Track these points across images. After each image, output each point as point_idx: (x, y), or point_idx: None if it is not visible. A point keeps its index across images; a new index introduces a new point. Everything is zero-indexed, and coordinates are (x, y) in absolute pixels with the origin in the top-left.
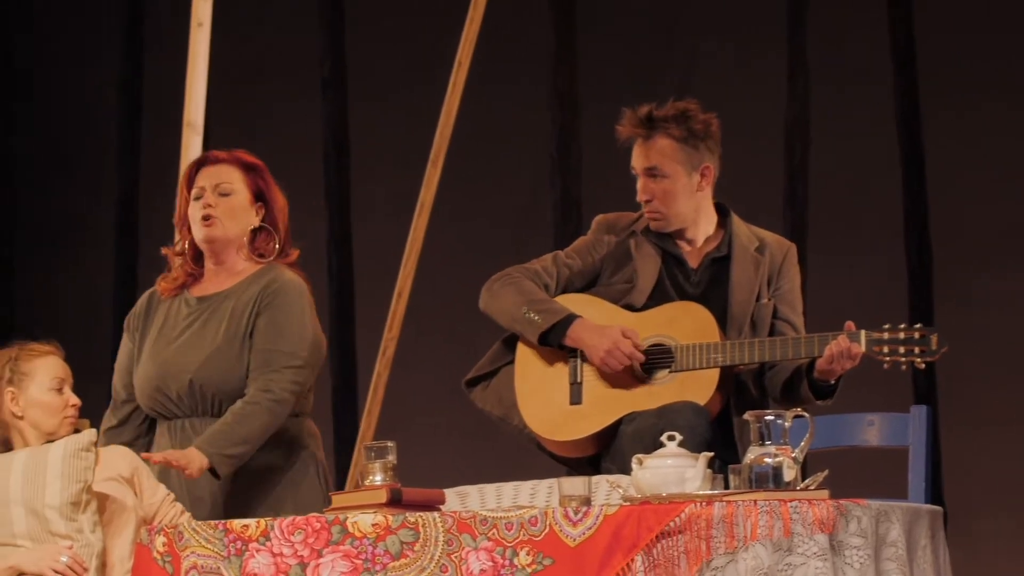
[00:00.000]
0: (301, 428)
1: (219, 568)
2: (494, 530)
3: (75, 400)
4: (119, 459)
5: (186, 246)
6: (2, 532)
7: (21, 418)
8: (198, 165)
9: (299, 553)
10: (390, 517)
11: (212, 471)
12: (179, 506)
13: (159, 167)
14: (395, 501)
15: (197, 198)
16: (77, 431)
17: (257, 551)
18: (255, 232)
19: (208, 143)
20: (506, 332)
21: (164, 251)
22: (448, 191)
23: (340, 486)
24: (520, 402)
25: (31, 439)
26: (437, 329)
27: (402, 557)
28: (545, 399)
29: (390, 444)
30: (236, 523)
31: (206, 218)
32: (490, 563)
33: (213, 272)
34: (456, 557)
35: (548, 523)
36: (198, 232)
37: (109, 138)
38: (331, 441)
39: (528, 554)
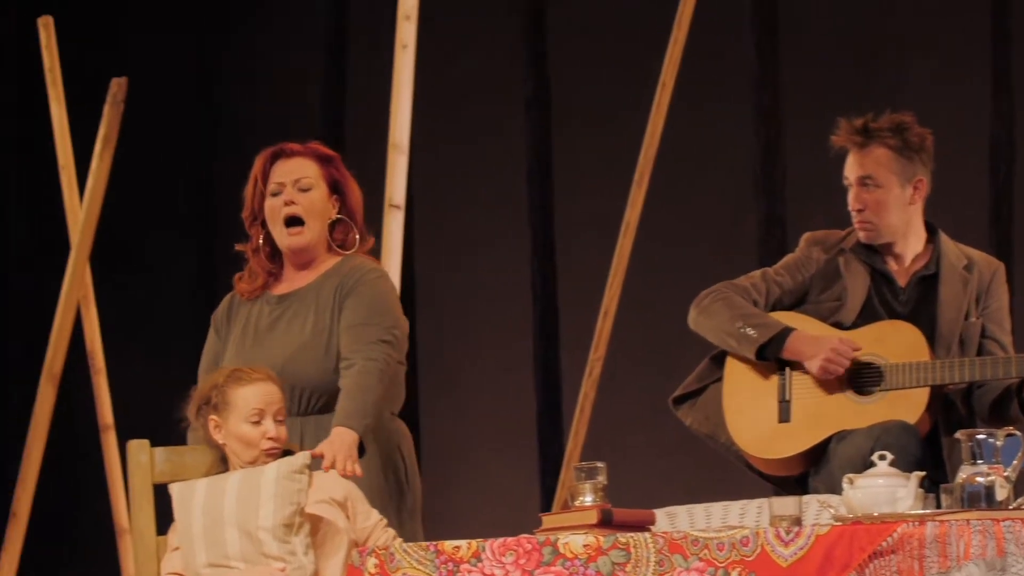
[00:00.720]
0: (394, 427)
1: None
2: (706, 550)
3: (273, 432)
4: (332, 482)
5: (260, 242)
6: (216, 553)
7: (224, 445)
8: (272, 158)
9: (511, 574)
10: (601, 538)
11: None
12: (391, 531)
13: (364, 189)
14: (606, 522)
15: (275, 194)
16: (288, 453)
17: (469, 572)
18: (332, 224)
19: (413, 164)
20: (714, 349)
21: (238, 247)
22: (652, 210)
23: (547, 507)
24: (728, 420)
25: (236, 465)
26: (642, 348)
27: None
28: (753, 417)
29: (600, 465)
30: (447, 544)
31: (290, 222)
32: None
33: (293, 269)
34: None
35: (760, 543)
36: (282, 237)
37: None
38: (536, 461)
39: (740, 574)
